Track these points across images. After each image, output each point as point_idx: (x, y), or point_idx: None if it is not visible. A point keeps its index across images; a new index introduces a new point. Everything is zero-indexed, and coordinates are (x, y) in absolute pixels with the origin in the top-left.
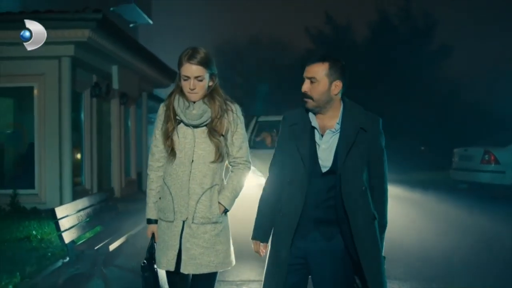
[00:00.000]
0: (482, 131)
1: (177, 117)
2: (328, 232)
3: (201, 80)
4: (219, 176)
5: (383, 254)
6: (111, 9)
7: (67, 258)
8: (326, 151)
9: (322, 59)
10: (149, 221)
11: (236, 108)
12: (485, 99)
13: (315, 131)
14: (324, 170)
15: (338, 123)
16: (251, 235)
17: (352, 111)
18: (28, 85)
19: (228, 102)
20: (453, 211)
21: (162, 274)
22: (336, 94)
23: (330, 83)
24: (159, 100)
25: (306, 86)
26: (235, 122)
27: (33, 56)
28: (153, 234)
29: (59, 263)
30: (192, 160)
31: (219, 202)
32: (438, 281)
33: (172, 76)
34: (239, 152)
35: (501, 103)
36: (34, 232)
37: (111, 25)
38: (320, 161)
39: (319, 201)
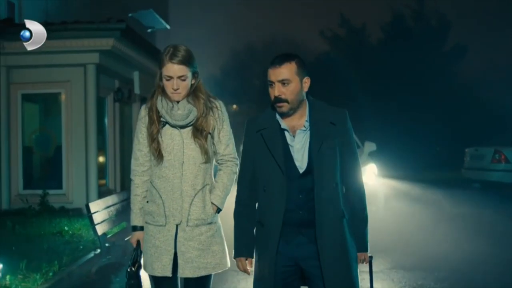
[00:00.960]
0: (494, 131)
1: (161, 119)
2: (312, 234)
3: (184, 80)
4: (209, 176)
5: (368, 251)
6: (130, 15)
7: (98, 250)
8: (300, 151)
9: (288, 59)
10: (135, 228)
11: (220, 105)
12: (498, 99)
13: (285, 133)
14: (301, 171)
15: (307, 121)
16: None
17: (319, 107)
18: (55, 91)
19: (211, 99)
20: (464, 208)
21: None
22: (306, 91)
23: (301, 81)
24: None
25: (278, 90)
26: (220, 119)
27: (61, 64)
28: (138, 242)
29: (91, 254)
30: (183, 162)
31: (211, 202)
32: (442, 271)
33: None
34: (226, 150)
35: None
36: (66, 228)
37: (133, 34)
38: (296, 162)
39: (301, 203)
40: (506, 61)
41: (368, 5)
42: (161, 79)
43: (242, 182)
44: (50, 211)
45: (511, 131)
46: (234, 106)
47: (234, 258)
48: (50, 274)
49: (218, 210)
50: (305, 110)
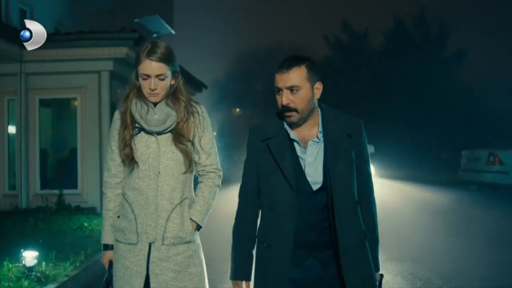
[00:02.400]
0: (490, 134)
1: (136, 124)
2: (324, 257)
3: (163, 79)
4: (189, 189)
5: (380, 271)
6: (136, 20)
7: None
8: (313, 165)
9: (297, 63)
10: (106, 247)
11: (202, 110)
12: (494, 103)
13: (295, 144)
14: (315, 187)
15: (320, 132)
16: (228, 275)
17: (333, 116)
18: (71, 97)
19: (192, 103)
20: (455, 205)
21: None
22: (318, 99)
23: (312, 87)
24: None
25: (287, 98)
26: (201, 125)
27: (77, 71)
28: (111, 262)
29: None
30: (159, 172)
31: (190, 219)
32: (432, 262)
33: (198, 85)
34: (208, 159)
35: (508, 106)
36: (85, 224)
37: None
38: (308, 178)
39: (313, 223)
40: (504, 66)
41: (371, 11)
42: (137, 78)
43: (244, 196)
44: (67, 210)
45: (505, 134)
46: (237, 110)
47: (231, 280)
48: (78, 263)
49: (198, 228)
50: (317, 119)
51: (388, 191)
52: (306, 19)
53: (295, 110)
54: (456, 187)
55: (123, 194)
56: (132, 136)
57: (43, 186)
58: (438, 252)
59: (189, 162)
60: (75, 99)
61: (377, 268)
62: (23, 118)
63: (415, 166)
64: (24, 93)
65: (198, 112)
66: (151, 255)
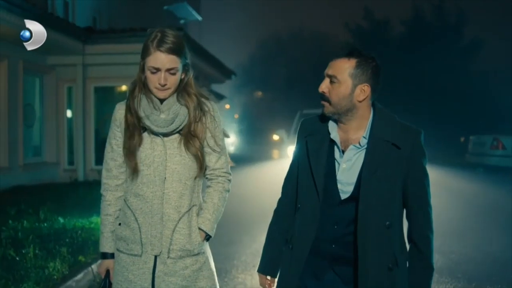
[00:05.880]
0: (498, 120)
1: (141, 124)
2: (347, 274)
3: (174, 73)
4: (197, 195)
5: None
6: (165, 7)
7: None
8: (347, 172)
9: (348, 55)
10: (104, 256)
11: (213, 107)
12: (506, 91)
13: (335, 145)
14: (343, 196)
15: (365, 137)
16: (257, 267)
17: (384, 122)
18: (122, 84)
19: (203, 99)
20: (463, 185)
21: None
22: (361, 101)
23: (354, 86)
24: (217, 95)
25: (323, 86)
26: (213, 125)
27: (127, 62)
28: (107, 272)
29: None
30: (165, 178)
31: (199, 228)
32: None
33: (227, 72)
34: (218, 163)
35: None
36: None
37: (189, 39)
38: (339, 185)
39: (337, 236)
40: None
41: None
42: (143, 71)
43: (285, 190)
44: None
45: (509, 120)
46: (260, 93)
47: (258, 272)
48: None
49: (207, 237)
50: (365, 122)
51: None
52: (328, 5)
53: (328, 101)
54: (464, 169)
55: (124, 200)
56: (141, 140)
57: (97, 162)
58: (446, 222)
59: (201, 167)
60: (125, 86)
61: None
62: (80, 103)
63: (428, 149)
64: (83, 82)
65: (209, 110)
66: (157, 269)
